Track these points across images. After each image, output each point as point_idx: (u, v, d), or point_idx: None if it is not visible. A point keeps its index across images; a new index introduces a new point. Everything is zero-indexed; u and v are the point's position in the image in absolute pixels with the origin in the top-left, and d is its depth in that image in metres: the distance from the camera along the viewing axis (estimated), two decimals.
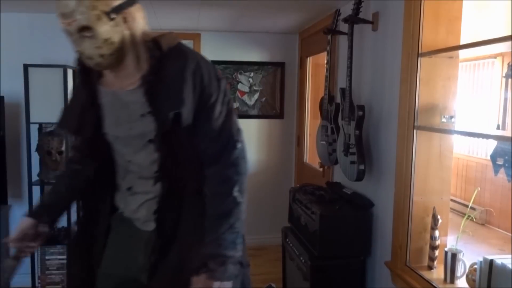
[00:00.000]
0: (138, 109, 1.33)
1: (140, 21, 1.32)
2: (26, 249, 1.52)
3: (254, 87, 4.26)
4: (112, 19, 1.23)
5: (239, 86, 4.23)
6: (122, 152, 1.43)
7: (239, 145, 1.38)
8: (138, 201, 1.44)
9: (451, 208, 2.44)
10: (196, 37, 4.16)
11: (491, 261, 1.61)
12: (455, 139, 2.25)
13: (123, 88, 1.35)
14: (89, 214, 1.53)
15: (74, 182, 1.53)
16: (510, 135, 2.64)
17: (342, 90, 2.55)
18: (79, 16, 1.19)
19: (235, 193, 1.35)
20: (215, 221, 1.33)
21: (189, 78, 1.30)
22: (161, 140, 1.34)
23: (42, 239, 1.49)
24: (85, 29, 1.22)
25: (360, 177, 2.44)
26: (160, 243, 1.38)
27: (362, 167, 2.42)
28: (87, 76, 1.40)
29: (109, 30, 1.23)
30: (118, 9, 1.24)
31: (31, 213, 1.50)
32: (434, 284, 1.96)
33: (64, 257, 3.26)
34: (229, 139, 1.37)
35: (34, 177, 3.23)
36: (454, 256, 1.93)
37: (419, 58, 2.05)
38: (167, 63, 1.31)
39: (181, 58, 1.32)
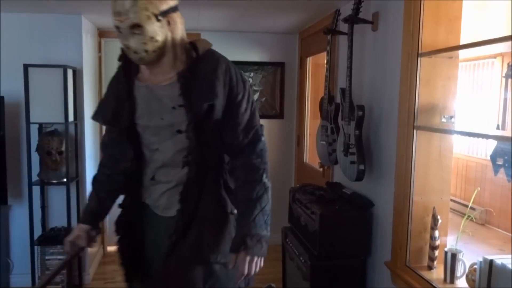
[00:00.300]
0: (170, 102, 1.49)
1: (180, 26, 1.52)
2: (77, 250, 1.69)
3: (254, 87, 4.27)
4: (158, 21, 1.41)
5: None
6: (150, 141, 1.55)
7: (262, 138, 1.58)
8: (160, 190, 1.57)
9: (451, 208, 2.43)
10: (196, 37, 4.15)
11: (491, 261, 1.61)
12: (455, 139, 2.25)
13: (157, 83, 1.51)
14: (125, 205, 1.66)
15: (110, 187, 1.68)
16: (510, 135, 2.65)
17: (342, 90, 2.55)
18: (132, 15, 1.37)
19: (264, 179, 1.53)
20: (249, 205, 1.49)
21: (221, 77, 1.49)
22: (191, 130, 1.48)
23: (93, 241, 1.70)
24: (135, 27, 1.38)
25: (360, 177, 2.44)
26: (181, 227, 1.51)
27: (362, 167, 2.42)
28: (127, 71, 1.56)
29: (155, 30, 1.41)
30: (165, 13, 1.43)
31: (83, 220, 1.70)
32: (434, 284, 1.96)
33: (64, 257, 3.25)
34: (254, 133, 1.55)
35: (34, 177, 3.23)
36: (454, 256, 1.93)
37: (419, 58, 2.05)
38: (201, 63, 1.49)
39: (214, 60, 1.51)
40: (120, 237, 1.66)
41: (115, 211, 1.72)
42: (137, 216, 1.63)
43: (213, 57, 1.53)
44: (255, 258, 1.45)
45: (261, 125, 1.61)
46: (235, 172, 1.56)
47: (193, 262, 1.50)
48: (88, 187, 3.61)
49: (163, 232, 1.55)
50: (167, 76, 1.50)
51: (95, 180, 1.72)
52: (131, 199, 1.64)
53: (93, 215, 1.71)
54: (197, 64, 1.49)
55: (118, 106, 1.54)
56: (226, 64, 1.52)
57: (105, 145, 1.68)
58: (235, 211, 1.57)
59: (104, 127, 4.29)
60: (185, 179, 1.51)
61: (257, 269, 1.47)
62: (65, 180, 3.23)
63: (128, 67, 1.55)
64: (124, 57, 1.54)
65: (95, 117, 1.62)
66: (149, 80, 1.53)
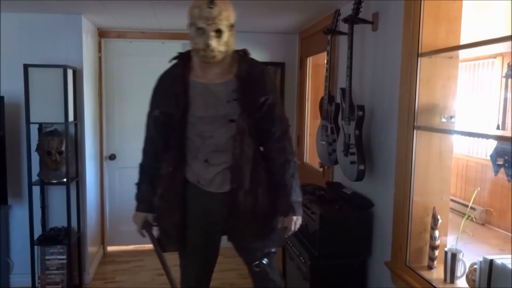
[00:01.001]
0: (225, 96, 1.84)
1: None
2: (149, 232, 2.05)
3: None
4: (231, 30, 1.80)
5: None
6: (203, 129, 1.86)
7: (289, 127, 2.01)
8: (214, 171, 1.89)
9: (451, 208, 2.44)
10: None
11: (491, 261, 1.61)
12: (455, 139, 2.25)
13: (211, 81, 1.85)
14: (167, 187, 1.96)
15: (160, 173, 1.98)
16: (510, 135, 2.65)
17: (342, 90, 2.55)
18: (218, 22, 1.73)
19: (295, 158, 2.00)
20: (289, 179, 1.93)
21: (267, 77, 1.93)
22: (242, 120, 1.84)
23: (152, 226, 2.05)
24: (218, 31, 1.75)
25: (360, 177, 2.44)
26: (236, 198, 1.87)
27: (362, 167, 2.42)
28: (182, 71, 1.87)
29: (228, 36, 1.79)
30: (233, 25, 1.82)
31: (143, 209, 2.07)
32: (434, 284, 1.96)
33: (64, 257, 3.26)
34: (285, 123, 1.98)
35: (34, 177, 3.23)
36: (454, 256, 1.93)
37: (419, 58, 2.05)
38: (250, 67, 1.89)
39: (258, 64, 1.95)
40: (164, 211, 1.97)
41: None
42: (181, 193, 1.92)
43: (256, 62, 1.95)
44: (299, 218, 1.94)
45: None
46: (271, 154, 1.95)
47: (253, 222, 1.90)
48: (89, 187, 3.62)
49: (219, 204, 1.90)
50: (222, 75, 1.86)
51: (146, 170, 2.03)
52: (177, 180, 1.92)
53: (149, 203, 2.02)
54: (248, 67, 1.88)
55: (177, 100, 1.83)
56: (267, 70, 1.99)
57: (153, 139, 1.98)
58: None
59: (104, 127, 4.30)
60: (236, 160, 1.85)
61: (298, 226, 1.95)
62: (65, 180, 3.23)
63: (183, 67, 1.88)
64: (181, 59, 1.90)
65: (155, 108, 1.91)
66: (204, 79, 1.85)
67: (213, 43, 1.74)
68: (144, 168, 2.04)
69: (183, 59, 1.90)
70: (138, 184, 2.06)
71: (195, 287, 2.04)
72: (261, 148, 1.98)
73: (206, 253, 2.01)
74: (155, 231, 2.04)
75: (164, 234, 2.00)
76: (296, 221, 1.93)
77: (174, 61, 1.93)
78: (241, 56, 1.91)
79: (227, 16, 1.76)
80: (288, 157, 1.95)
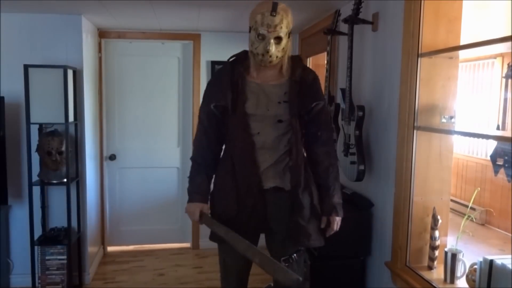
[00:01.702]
0: (276, 98, 1.93)
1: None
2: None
3: None
4: (288, 37, 1.89)
5: None
6: (252, 126, 1.92)
7: (334, 133, 2.17)
8: (260, 167, 1.93)
9: (451, 208, 2.44)
10: (196, 37, 4.16)
11: (491, 261, 1.61)
12: (455, 139, 2.25)
13: (265, 82, 1.94)
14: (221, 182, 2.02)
15: (215, 166, 2.06)
16: (510, 135, 2.65)
17: (342, 91, 2.55)
18: (279, 29, 1.82)
19: (338, 163, 2.12)
20: (333, 181, 2.01)
21: (319, 85, 2.02)
22: (293, 121, 1.92)
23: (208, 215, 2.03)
24: (278, 38, 1.83)
25: (360, 177, 2.44)
26: (295, 198, 1.94)
27: (362, 167, 2.42)
28: (239, 70, 1.95)
29: (286, 43, 1.87)
30: (290, 33, 1.90)
31: (200, 200, 2.01)
32: (434, 284, 1.96)
33: (64, 257, 3.26)
34: (331, 128, 2.12)
35: (34, 177, 3.23)
36: (454, 256, 1.93)
37: (419, 58, 2.05)
38: (303, 72, 1.98)
39: (312, 72, 2.04)
40: (219, 206, 2.01)
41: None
42: (231, 188, 1.97)
43: (310, 69, 2.07)
44: (340, 219, 2.02)
45: None
46: (318, 157, 2.01)
47: (312, 219, 1.97)
48: (89, 188, 3.62)
49: (264, 200, 1.95)
50: (276, 77, 1.95)
51: (201, 161, 2.04)
52: (229, 175, 1.97)
53: (204, 193, 2.03)
54: (302, 72, 1.97)
55: (232, 94, 1.91)
56: (317, 75, 2.05)
57: (207, 131, 2.03)
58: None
59: (104, 127, 4.30)
60: (294, 159, 1.93)
61: (339, 226, 2.03)
62: (65, 180, 3.23)
63: (239, 66, 1.95)
64: (239, 58, 1.98)
65: (217, 102, 1.95)
66: (258, 79, 1.94)
67: (273, 49, 1.82)
68: (197, 159, 2.05)
69: (240, 58, 1.98)
70: (191, 177, 2.06)
71: (235, 280, 2.10)
72: (304, 152, 2.05)
73: None
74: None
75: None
76: (338, 221, 2.02)
77: (232, 59, 2.01)
78: (296, 61, 2.00)
79: (287, 24, 1.83)
80: (332, 160, 2.03)
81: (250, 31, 1.87)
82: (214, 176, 2.07)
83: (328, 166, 2.02)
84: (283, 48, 1.86)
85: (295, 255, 2.03)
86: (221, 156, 2.07)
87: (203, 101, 2.05)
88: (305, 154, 2.04)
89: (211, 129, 2.02)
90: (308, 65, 4.09)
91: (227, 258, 2.08)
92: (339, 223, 2.02)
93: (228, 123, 1.96)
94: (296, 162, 1.94)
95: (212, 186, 2.06)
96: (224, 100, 1.92)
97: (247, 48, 1.99)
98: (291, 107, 1.92)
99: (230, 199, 1.96)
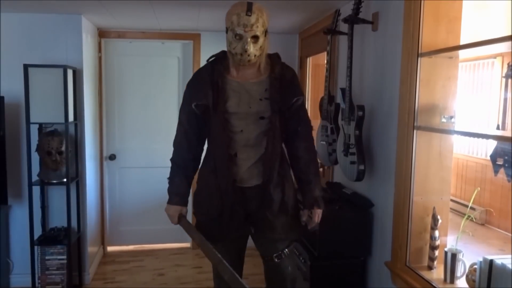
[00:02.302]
0: (258, 95, 1.95)
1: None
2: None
3: None
4: (265, 35, 1.91)
5: None
6: (235, 124, 1.95)
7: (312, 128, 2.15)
8: (244, 165, 1.97)
9: (451, 208, 2.44)
10: (196, 37, 4.16)
11: (491, 261, 1.61)
12: (455, 139, 2.25)
13: (245, 80, 1.96)
14: (203, 182, 2.06)
15: (195, 167, 2.09)
16: (510, 135, 2.65)
17: (342, 90, 2.55)
18: (255, 28, 1.84)
19: (317, 158, 2.16)
20: (314, 176, 2.06)
21: (297, 81, 2.08)
22: (273, 117, 1.94)
23: (185, 218, 2.09)
24: (255, 37, 1.85)
25: (360, 177, 2.44)
26: (265, 192, 1.97)
27: (362, 167, 2.42)
28: (219, 69, 1.98)
29: (263, 41, 1.89)
30: (267, 31, 1.92)
31: (178, 202, 2.04)
32: (434, 284, 1.96)
33: (64, 257, 3.26)
34: (310, 124, 2.12)
35: (34, 177, 3.23)
36: (454, 256, 1.93)
37: (419, 58, 2.05)
38: (282, 70, 2.02)
39: (290, 69, 2.07)
40: (202, 205, 2.04)
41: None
42: (216, 187, 1.98)
43: (288, 66, 2.07)
44: (321, 211, 2.06)
45: None
46: (298, 152, 2.05)
47: (280, 215, 2.01)
48: (89, 187, 3.62)
49: (246, 198, 1.98)
50: (256, 75, 1.97)
51: (180, 163, 2.05)
52: (210, 174, 1.99)
53: (183, 195, 2.05)
54: (281, 69, 2.01)
55: (213, 93, 1.92)
56: (295, 72, 2.10)
57: (186, 131, 2.03)
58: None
59: (104, 127, 4.29)
60: (268, 155, 1.95)
61: (320, 218, 2.08)
62: (65, 180, 3.23)
63: (219, 66, 1.98)
64: (218, 58, 2.01)
65: (199, 101, 1.94)
66: (238, 78, 1.97)
67: (251, 48, 1.85)
68: (177, 161, 2.06)
69: (220, 58, 2.01)
70: (171, 178, 2.07)
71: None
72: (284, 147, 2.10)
73: (238, 246, 2.13)
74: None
75: (202, 228, 2.04)
76: (319, 214, 2.07)
77: (211, 59, 2.04)
78: (274, 58, 2.04)
79: (263, 23, 1.86)
80: (312, 155, 2.09)
81: (227, 32, 1.89)
82: (197, 175, 2.09)
83: (308, 160, 2.07)
84: (260, 47, 1.88)
85: (286, 250, 2.08)
86: (203, 156, 2.09)
87: (183, 102, 2.06)
88: (285, 151, 2.09)
89: (191, 129, 2.03)
90: (308, 65, 4.09)
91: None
92: (320, 216, 2.08)
93: (210, 122, 1.97)
94: (270, 156, 1.96)
95: (196, 186, 2.09)
96: (206, 99, 1.93)
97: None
98: (273, 103, 1.94)
99: (213, 198, 1.97)
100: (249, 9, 1.82)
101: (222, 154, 1.96)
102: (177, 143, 2.07)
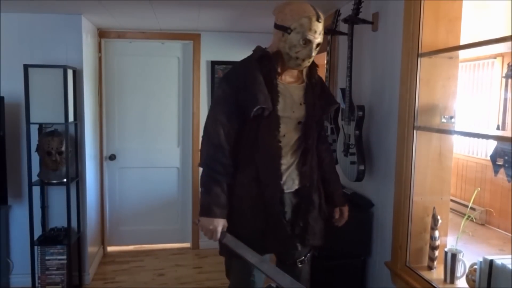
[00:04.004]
0: (298, 99, 1.92)
1: None
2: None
3: None
4: None
5: None
6: (281, 129, 1.88)
7: None
8: (285, 171, 1.90)
9: (451, 208, 2.44)
10: (196, 37, 4.16)
11: (491, 262, 1.61)
12: (455, 139, 2.25)
13: (289, 83, 1.92)
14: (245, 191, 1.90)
15: (234, 173, 1.88)
16: (510, 135, 2.65)
17: (342, 91, 2.55)
18: (320, 36, 1.81)
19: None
20: (336, 176, 2.15)
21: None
22: (312, 122, 1.94)
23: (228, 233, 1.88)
24: (318, 45, 1.83)
25: (360, 177, 2.44)
26: (307, 197, 1.94)
27: (362, 167, 2.42)
28: (267, 70, 1.85)
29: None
30: None
31: (221, 214, 1.82)
32: (434, 284, 1.96)
33: (64, 257, 3.26)
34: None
35: (34, 177, 3.23)
36: (454, 256, 1.93)
37: (419, 58, 2.05)
38: (317, 74, 2.00)
39: (319, 76, 2.04)
40: (243, 219, 1.87)
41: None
42: (256, 197, 1.87)
43: (315, 67, 1.99)
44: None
45: None
46: (322, 154, 2.08)
47: (319, 219, 2.00)
48: (89, 188, 3.62)
49: (286, 204, 1.90)
50: (297, 78, 1.95)
51: (219, 169, 1.82)
52: (252, 181, 1.87)
53: (225, 207, 1.84)
54: (316, 74, 1.99)
55: (270, 96, 1.82)
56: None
57: (229, 134, 1.84)
58: None
59: (104, 127, 4.29)
60: (305, 160, 1.93)
61: None
62: (65, 180, 3.23)
63: (266, 65, 1.85)
64: (263, 56, 1.87)
65: (262, 105, 1.79)
66: (283, 80, 1.91)
67: (314, 54, 1.82)
68: (215, 167, 1.82)
69: (266, 57, 1.87)
70: (207, 187, 1.82)
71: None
72: None
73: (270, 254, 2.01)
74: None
75: (244, 240, 1.85)
76: (347, 211, 2.14)
77: (257, 56, 1.89)
78: (313, 64, 1.97)
79: (322, 31, 1.83)
80: (332, 156, 2.18)
81: (288, 32, 1.77)
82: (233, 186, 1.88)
83: (330, 161, 2.13)
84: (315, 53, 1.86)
85: (308, 255, 2.06)
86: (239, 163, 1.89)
87: (221, 101, 1.85)
88: None
89: (233, 132, 1.84)
90: None
91: (254, 275, 1.92)
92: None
93: (257, 126, 1.82)
94: (311, 161, 1.95)
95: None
96: (267, 102, 1.79)
97: (249, 48, 1.97)
98: (313, 108, 1.93)
99: (257, 209, 1.85)
100: (319, 15, 1.77)
101: (271, 161, 1.85)
102: (215, 146, 1.82)
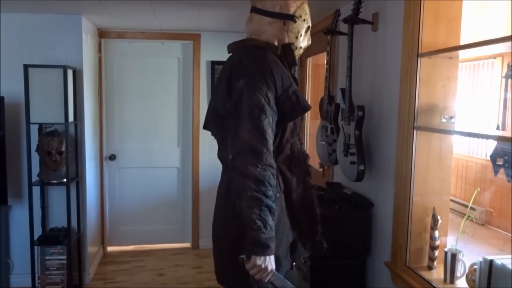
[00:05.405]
0: None
1: None
2: None
3: None
4: None
5: None
6: (298, 132, 1.69)
7: None
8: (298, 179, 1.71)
9: (451, 208, 2.44)
10: (196, 37, 4.16)
11: (491, 261, 1.61)
12: (455, 139, 2.25)
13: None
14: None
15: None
16: (510, 135, 2.65)
17: (342, 91, 2.55)
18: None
19: None
20: None
21: None
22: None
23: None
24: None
25: (360, 177, 2.44)
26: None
27: (362, 167, 2.41)
28: (282, 62, 1.62)
29: None
30: None
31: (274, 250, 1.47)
32: (434, 284, 1.96)
33: (64, 257, 3.26)
34: None
35: (34, 177, 3.23)
36: (454, 256, 1.93)
37: (419, 58, 2.05)
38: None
39: None
40: (295, 216, 1.70)
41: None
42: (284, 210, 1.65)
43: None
44: None
45: None
46: None
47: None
48: (89, 188, 3.62)
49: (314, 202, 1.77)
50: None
51: (271, 186, 1.43)
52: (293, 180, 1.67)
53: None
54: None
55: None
56: None
57: (271, 139, 1.46)
58: None
59: (104, 127, 4.28)
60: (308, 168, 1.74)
61: None
62: (65, 180, 3.23)
63: (279, 59, 1.60)
64: (291, 52, 1.62)
65: (307, 108, 1.58)
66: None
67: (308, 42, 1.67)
68: (268, 192, 1.41)
69: (290, 50, 1.62)
70: (263, 219, 1.39)
71: None
72: None
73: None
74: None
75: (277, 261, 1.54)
76: None
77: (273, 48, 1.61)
78: None
79: None
80: None
81: (293, 20, 1.55)
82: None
83: None
84: None
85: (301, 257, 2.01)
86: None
87: (268, 110, 1.45)
88: None
89: (271, 138, 1.48)
90: (308, 65, 4.09)
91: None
92: None
93: (283, 129, 1.57)
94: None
95: None
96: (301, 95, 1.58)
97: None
98: None
99: (286, 226, 1.64)
100: None
101: (303, 163, 1.68)
102: (266, 166, 1.42)
